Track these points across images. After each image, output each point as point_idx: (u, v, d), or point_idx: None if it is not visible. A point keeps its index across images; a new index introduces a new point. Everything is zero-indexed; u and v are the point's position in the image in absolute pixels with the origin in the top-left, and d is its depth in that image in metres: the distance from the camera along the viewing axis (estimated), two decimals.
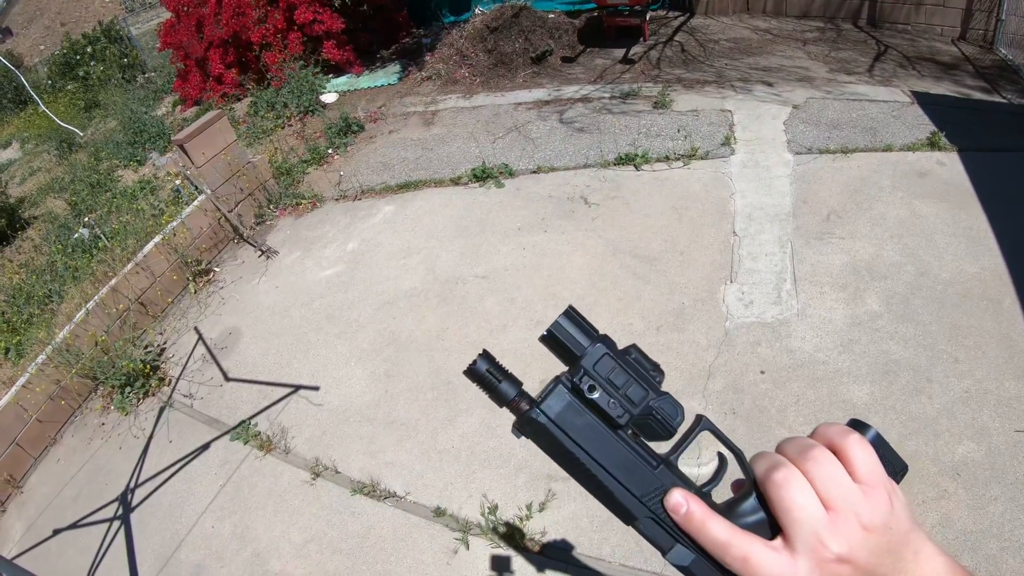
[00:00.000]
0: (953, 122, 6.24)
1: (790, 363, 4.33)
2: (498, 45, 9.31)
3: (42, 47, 19.11)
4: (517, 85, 8.87)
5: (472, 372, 0.61)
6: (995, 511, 3.31)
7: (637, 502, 0.59)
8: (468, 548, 3.73)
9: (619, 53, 9.13)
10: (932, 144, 5.99)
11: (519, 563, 3.63)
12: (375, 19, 11.09)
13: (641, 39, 9.31)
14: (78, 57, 15.42)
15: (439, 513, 3.94)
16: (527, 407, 0.61)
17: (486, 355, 0.62)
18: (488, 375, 0.61)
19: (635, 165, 6.54)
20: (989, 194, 5.34)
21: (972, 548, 3.19)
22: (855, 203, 5.52)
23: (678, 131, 6.91)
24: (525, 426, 0.61)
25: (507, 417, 0.60)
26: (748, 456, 0.61)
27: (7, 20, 16.37)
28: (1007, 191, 5.35)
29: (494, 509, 3.86)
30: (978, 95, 6.94)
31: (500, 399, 0.62)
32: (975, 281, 4.60)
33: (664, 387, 0.62)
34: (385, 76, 10.12)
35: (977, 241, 4.92)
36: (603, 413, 0.59)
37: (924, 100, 6.80)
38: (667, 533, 0.59)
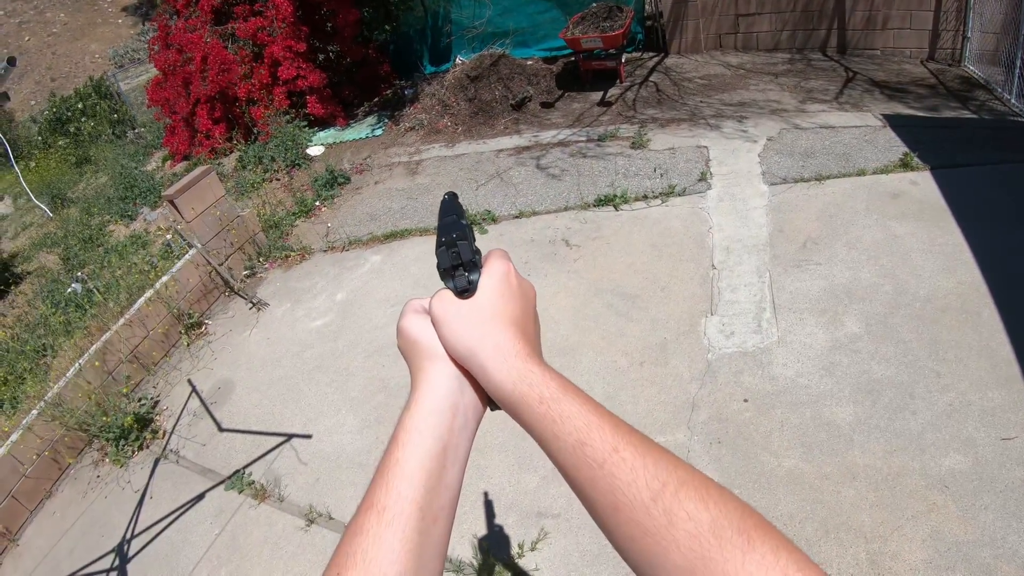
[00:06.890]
0: (925, 141, 6.40)
1: (773, 390, 4.38)
2: (478, 93, 9.59)
3: (33, 103, 19.35)
4: (498, 132, 9.12)
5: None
6: (986, 520, 3.34)
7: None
8: None
9: (596, 96, 9.39)
10: (904, 165, 6.14)
11: None
12: (358, 72, 11.44)
13: (617, 81, 9.58)
14: (69, 113, 15.66)
15: None
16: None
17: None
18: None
19: (614, 205, 6.72)
20: (962, 209, 5.45)
21: (965, 559, 3.20)
22: (830, 229, 5.64)
23: (655, 170, 7.11)
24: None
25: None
26: None
27: (5, 85, 16.55)
28: (979, 205, 5.48)
29: (487, 549, 3.96)
30: (949, 112, 7.15)
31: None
32: (953, 295, 4.69)
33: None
34: (369, 128, 10.39)
35: (952, 256, 5.02)
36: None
37: (895, 122, 6.98)
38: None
